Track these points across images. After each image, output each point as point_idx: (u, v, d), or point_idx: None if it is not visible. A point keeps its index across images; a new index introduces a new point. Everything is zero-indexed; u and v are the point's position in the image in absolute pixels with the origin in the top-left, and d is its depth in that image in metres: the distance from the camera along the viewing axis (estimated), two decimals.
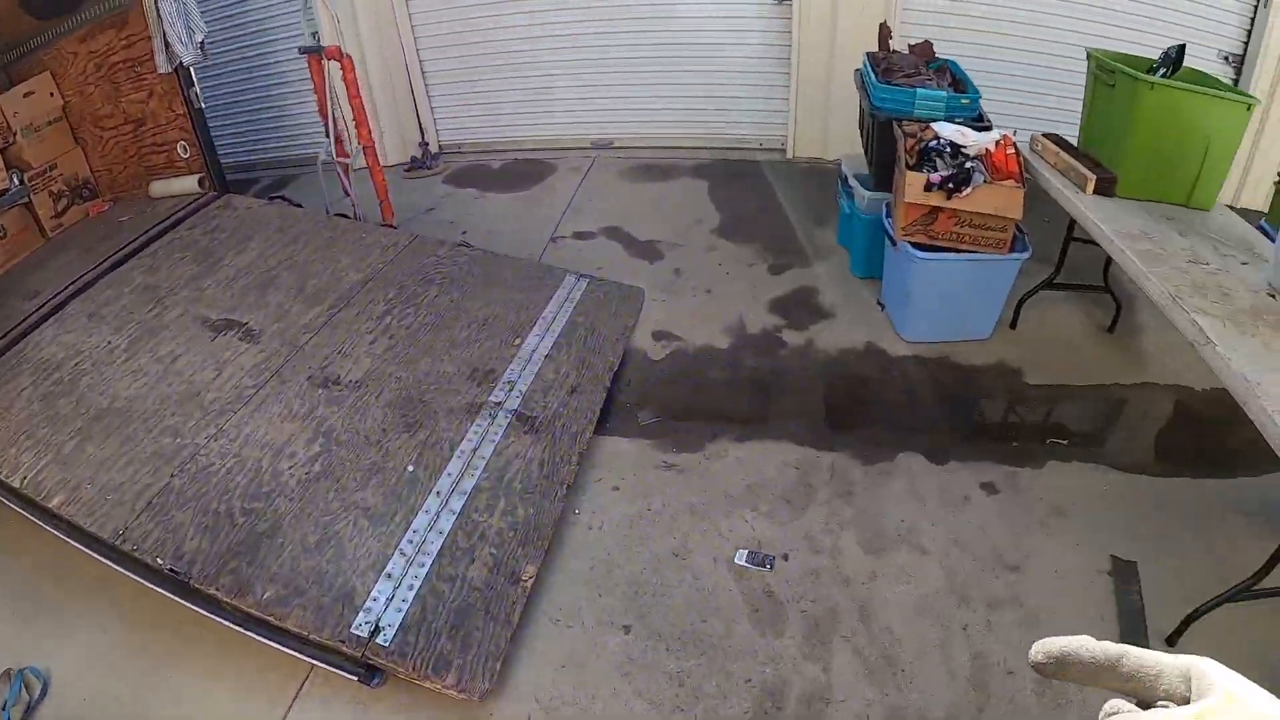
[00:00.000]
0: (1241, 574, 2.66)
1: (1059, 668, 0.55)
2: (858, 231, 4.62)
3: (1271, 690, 0.48)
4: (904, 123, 4.09)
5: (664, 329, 4.34)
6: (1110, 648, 0.53)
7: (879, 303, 4.49)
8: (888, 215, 4.10)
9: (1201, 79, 3.87)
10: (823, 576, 3.00)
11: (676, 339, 4.35)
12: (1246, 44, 6.19)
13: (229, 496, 2.98)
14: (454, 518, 3.00)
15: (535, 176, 5.95)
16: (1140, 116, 3.58)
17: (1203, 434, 3.68)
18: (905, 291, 4.30)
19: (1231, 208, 3.89)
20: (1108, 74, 3.77)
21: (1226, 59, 6.25)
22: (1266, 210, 5.23)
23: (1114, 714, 0.52)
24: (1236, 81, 6.31)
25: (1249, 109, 3.57)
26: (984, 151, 3.86)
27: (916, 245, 4.05)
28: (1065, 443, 3.61)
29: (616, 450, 3.58)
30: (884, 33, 4.71)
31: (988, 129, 4.19)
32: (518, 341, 3.86)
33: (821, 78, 5.70)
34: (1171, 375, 4.01)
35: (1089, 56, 3.98)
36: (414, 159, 6.08)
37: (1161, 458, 3.57)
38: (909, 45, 4.79)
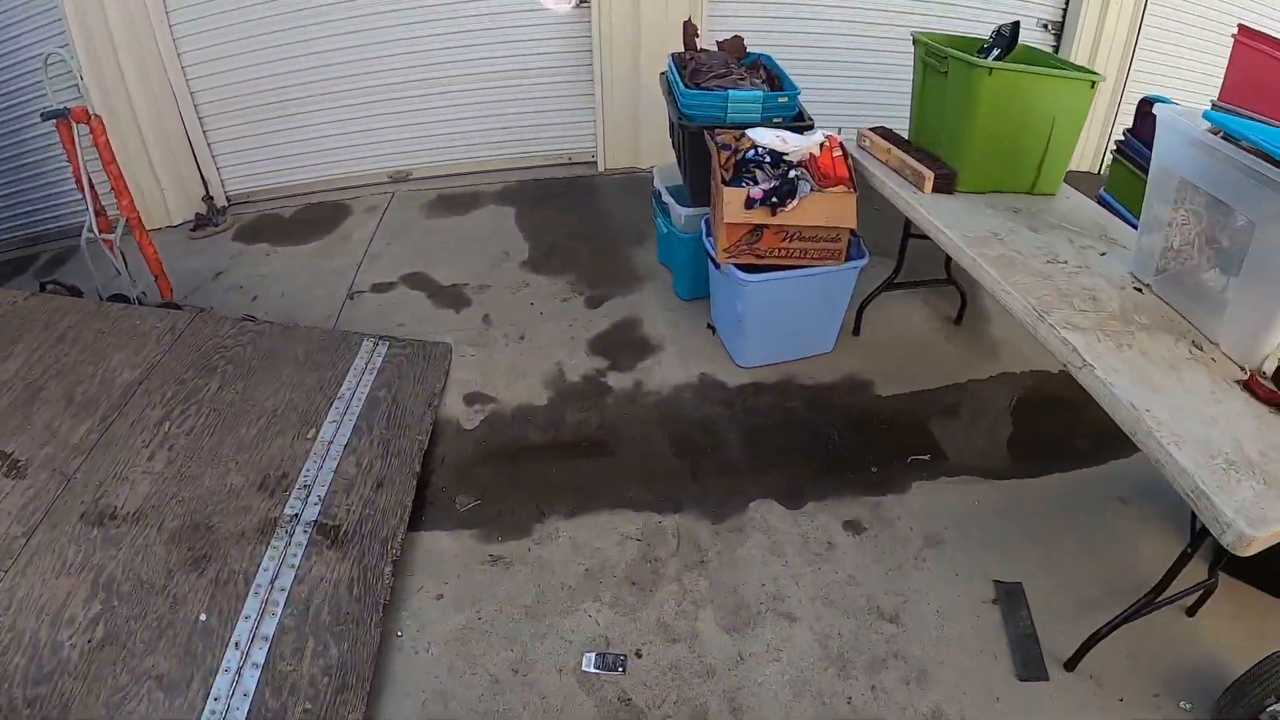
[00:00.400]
0: (1129, 573, 2.70)
1: None
2: (678, 251, 4.27)
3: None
4: (717, 132, 3.81)
5: (476, 390, 3.86)
6: None
7: (709, 326, 4.17)
8: (708, 234, 3.75)
9: (1037, 56, 3.59)
10: (683, 670, 2.65)
11: (490, 400, 3.86)
12: (1065, 9, 6.26)
13: (8, 685, 2.46)
14: (259, 673, 2.49)
15: (330, 222, 5.40)
16: (979, 105, 3.30)
17: (1066, 419, 3.64)
18: (736, 317, 3.90)
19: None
20: (938, 60, 3.47)
21: (1046, 26, 6.23)
22: (1098, 173, 5.21)
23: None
24: (1057, 49, 6.32)
25: (1093, 86, 3.30)
26: (808, 157, 3.59)
27: (743, 267, 3.70)
28: (928, 457, 3.48)
29: (435, 548, 3.11)
30: (689, 31, 4.45)
31: (810, 128, 3.98)
32: (312, 433, 3.35)
33: (628, 82, 5.42)
34: (1024, 360, 4.04)
35: (915, 42, 3.65)
36: (199, 216, 5.42)
37: (1028, 454, 3.51)
38: (718, 42, 4.54)
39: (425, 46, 5.42)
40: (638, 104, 5.43)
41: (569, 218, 5.36)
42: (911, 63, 3.71)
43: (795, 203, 3.44)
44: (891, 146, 3.63)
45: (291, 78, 5.38)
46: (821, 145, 3.53)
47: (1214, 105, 3.66)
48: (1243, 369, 2.40)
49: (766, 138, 3.51)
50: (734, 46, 4.35)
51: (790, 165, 3.48)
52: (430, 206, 5.57)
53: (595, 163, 5.81)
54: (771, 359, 4.06)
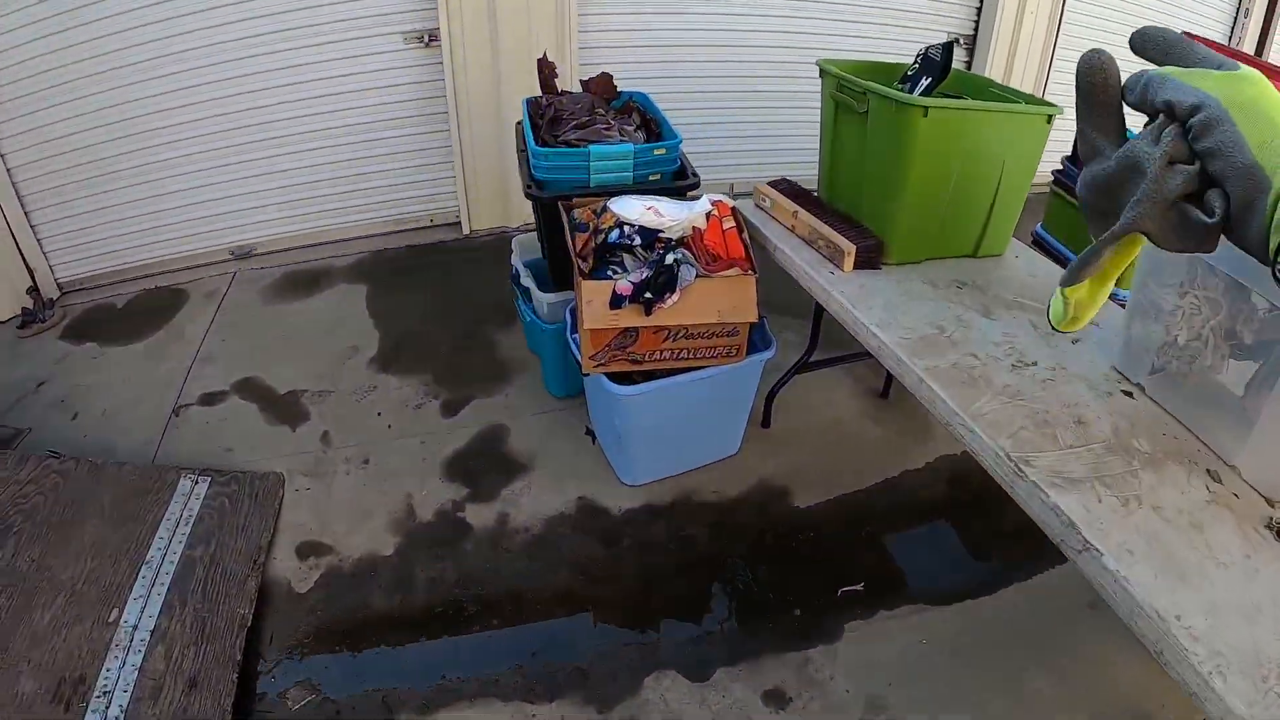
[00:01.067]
0: (1112, 709, 2.29)
1: (1145, 39, 0.64)
2: (544, 343, 3.30)
3: None
4: (574, 204, 2.79)
5: (311, 538, 2.96)
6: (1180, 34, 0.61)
7: (588, 430, 3.26)
8: (573, 330, 2.77)
9: (973, 83, 2.69)
10: None
11: (328, 551, 2.91)
12: (977, 23, 5.33)
13: None
14: None
15: (164, 313, 4.37)
16: (912, 153, 2.34)
17: (1015, 506, 2.74)
18: (615, 432, 2.97)
19: None
20: (855, 97, 2.49)
21: (958, 41, 5.36)
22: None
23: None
24: (969, 65, 5.48)
25: (1049, 121, 2.44)
26: (691, 232, 2.59)
27: (618, 375, 2.77)
28: (861, 587, 2.73)
29: None
30: (545, 70, 3.39)
31: (695, 187, 2.96)
32: (114, 615, 2.55)
33: (491, 130, 4.40)
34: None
35: (823, 73, 2.68)
36: (26, 311, 4.41)
37: (980, 561, 2.87)
38: (582, 82, 3.50)
39: (261, 103, 4.36)
40: (505, 154, 4.39)
41: (428, 295, 4.36)
42: (819, 99, 2.66)
43: (676, 296, 2.42)
44: (799, 209, 2.62)
45: (114, 146, 4.32)
46: (708, 215, 2.50)
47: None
48: (1271, 503, 1.71)
49: (634, 210, 2.47)
50: (602, 86, 3.31)
51: (668, 245, 2.44)
52: (274, 289, 4.51)
53: (460, 224, 4.69)
54: (664, 473, 3.15)
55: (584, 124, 3.09)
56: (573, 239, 2.50)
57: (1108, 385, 2.04)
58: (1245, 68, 0.56)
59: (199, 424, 3.50)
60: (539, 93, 3.36)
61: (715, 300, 2.50)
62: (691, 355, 2.66)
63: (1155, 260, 1.92)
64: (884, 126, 2.37)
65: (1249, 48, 6.53)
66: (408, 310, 4.23)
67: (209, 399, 3.65)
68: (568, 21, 4.29)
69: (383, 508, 3.08)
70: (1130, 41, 0.65)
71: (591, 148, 2.87)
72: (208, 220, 4.63)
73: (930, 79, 2.55)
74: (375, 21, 4.24)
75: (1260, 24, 6.52)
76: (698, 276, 2.48)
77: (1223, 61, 0.57)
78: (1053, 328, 0.72)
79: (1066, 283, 0.68)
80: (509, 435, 3.41)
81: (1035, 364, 2.13)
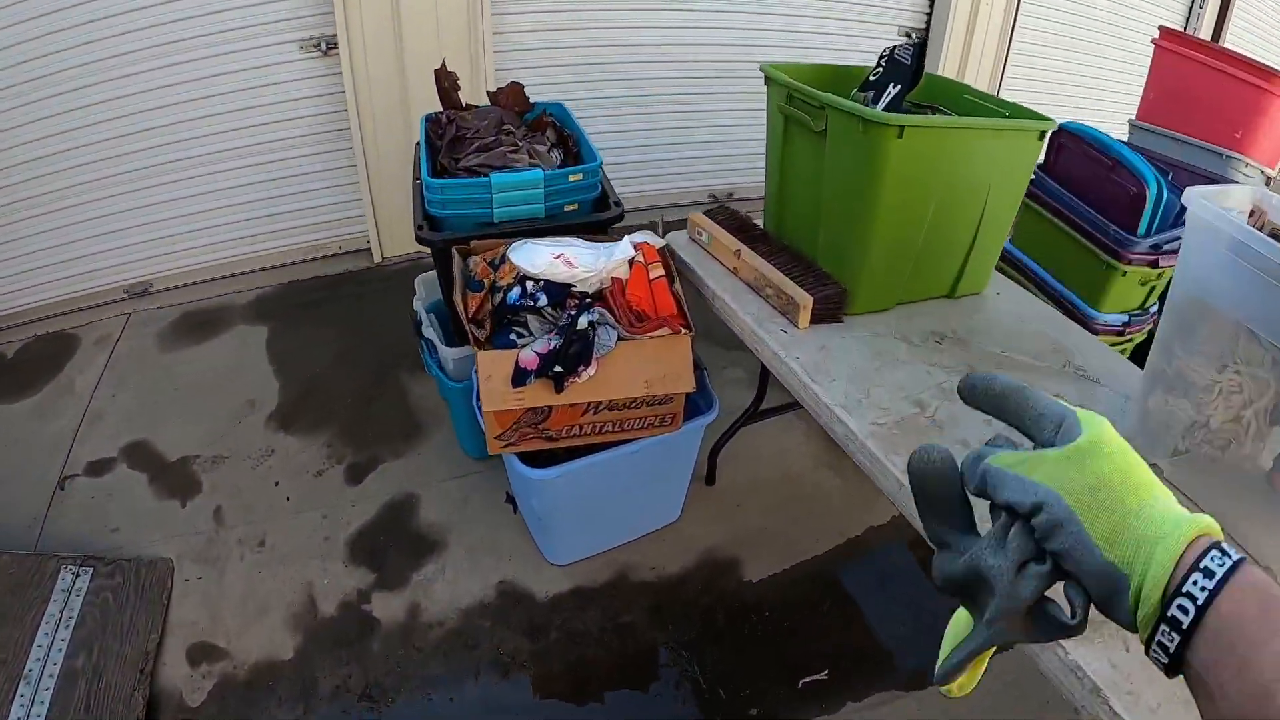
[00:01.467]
0: None
1: (974, 392, 0.60)
2: (453, 401, 2.77)
3: None
4: (471, 247, 2.22)
5: (203, 638, 2.47)
6: (1009, 382, 0.59)
7: (508, 497, 2.69)
8: (478, 398, 2.19)
9: (945, 90, 2.20)
10: None
11: (221, 655, 2.41)
12: (930, 16, 4.80)
13: None
14: None
15: (54, 362, 3.77)
16: (883, 180, 1.80)
17: None
18: (535, 513, 2.46)
19: None
20: (810, 111, 1.94)
21: (909, 35, 4.84)
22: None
23: (993, 446, 0.57)
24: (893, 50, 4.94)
25: (1042, 137, 1.93)
26: (610, 284, 2.04)
27: (530, 456, 2.22)
28: (825, 675, 2.30)
29: None
30: (445, 82, 2.79)
31: (617, 220, 2.40)
32: None
33: (400, 146, 3.80)
34: None
35: (768, 80, 2.12)
36: None
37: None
38: (489, 93, 2.92)
39: (148, 125, 3.74)
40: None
41: (333, 335, 3.77)
42: (765, 111, 2.10)
43: (592, 369, 1.84)
44: (741, 246, 2.04)
45: (10, 173, 3.68)
46: (631, 262, 1.92)
47: (1133, 125, 3.09)
48: None
49: (540, 260, 1.91)
50: (512, 97, 2.74)
51: (581, 304, 1.86)
52: (169, 332, 3.91)
53: (370, 251, 4.08)
54: (594, 549, 2.64)
55: (488, 145, 2.51)
56: (464, 300, 1.92)
57: None
58: (1087, 430, 0.53)
59: (85, 498, 2.96)
60: (437, 110, 2.77)
61: (643, 368, 1.94)
62: (618, 428, 2.10)
63: (1184, 322, 1.46)
64: (848, 149, 1.81)
65: (1205, 36, 6.07)
66: (312, 353, 3.64)
67: (96, 468, 3.10)
68: (480, 23, 3.69)
69: (280, 600, 2.55)
70: (959, 392, 0.62)
71: (493, 176, 2.29)
72: (99, 257, 4.01)
73: (899, 87, 2.00)
74: (266, 29, 3.62)
75: (1215, 15, 6.07)
76: (619, 340, 1.91)
77: (1064, 416, 0.55)
78: (942, 694, 0.63)
79: (941, 683, 0.60)
80: (420, 505, 2.88)
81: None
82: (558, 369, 1.87)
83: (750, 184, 4.84)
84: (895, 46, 2.13)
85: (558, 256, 1.93)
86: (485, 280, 1.94)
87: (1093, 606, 0.52)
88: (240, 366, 3.58)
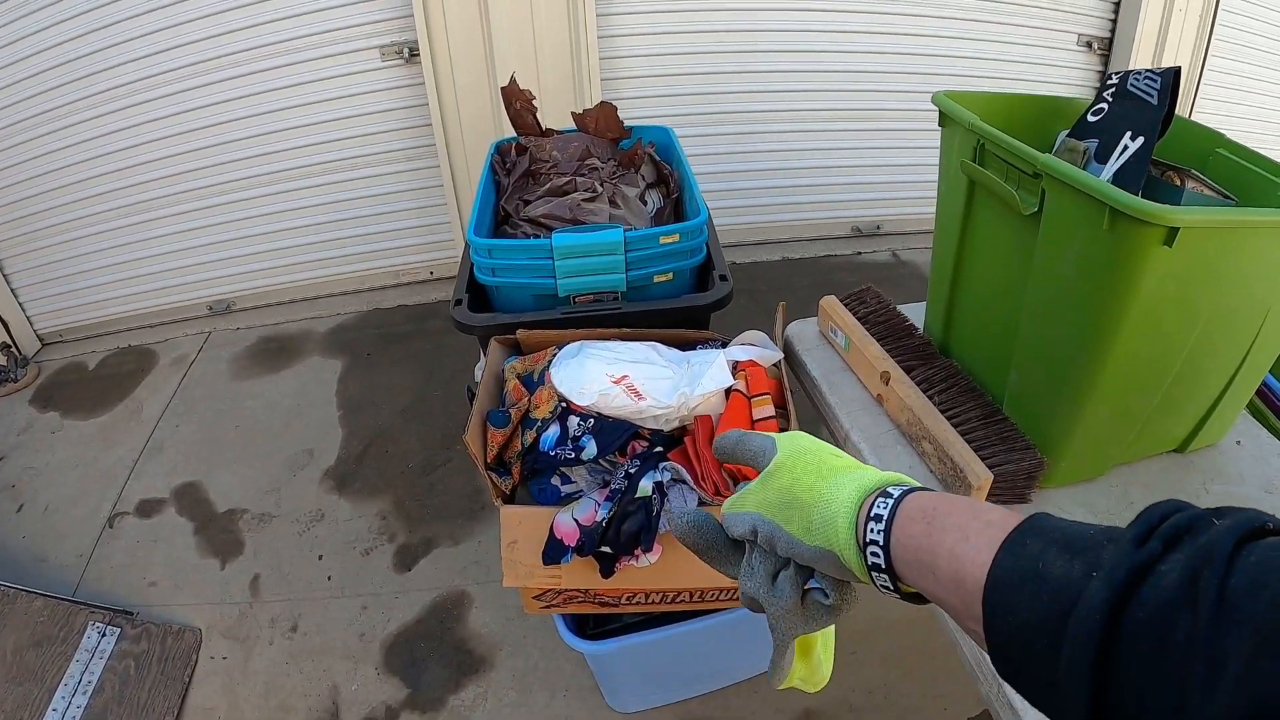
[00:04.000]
0: None
1: (720, 455, 0.66)
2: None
3: None
4: (520, 335, 1.54)
5: None
6: (735, 435, 0.65)
7: None
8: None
9: (1193, 141, 1.42)
10: None
11: None
12: (1115, 21, 3.85)
13: None
14: None
15: (129, 380, 3.41)
16: (1135, 303, 1.02)
17: None
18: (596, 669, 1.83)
19: None
20: (1017, 181, 1.16)
21: (1090, 45, 3.90)
22: None
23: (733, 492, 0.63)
24: (1103, 76, 3.99)
25: None
26: (693, 424, 1.34)
27: (579, 621, 1.56)
28: None
29: None
30: (516, 102, 2.13)
31: (722, 304, 1.68)
32: None
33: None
34: None
35: (944, 119, 1.33)
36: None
37: None
38: (574, 115, 2.23)
39: (228, 138, 3.27)
40: None
41: (408, 380, 3.19)
42: (937, 160, 1.32)
43: (655, 555, 1.11)
44: (892, 367, 1.28)
45: (85, 188, 3.34)
46: (729, 392, 1.18)
47: None
48: None
49: (592, 383, 1.22)
50: (603, 120, 2.06)
51: (646, 455, 1.15)
52: (245, 357, 3.45)
53: None
54: (669, 699, 1.99)
55: (561, 188, 1.82)
56: (484, 435, 1.24)
57: None
58: (777, 450, 0.61)
59: (130, 541, 2.62)
60: (510, 136, 2.10)
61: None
62: (696, 598, 1.38)
63: None
64: (1076, 247, 1.05)
65: None
66: (383, 399, 3.10)
67: (146, 508, 2.74)
68: (583, 26, 2.99)
69: (304, 700, 2.11)
70: (714, 451, 0.68)
71: (556, 235, 1.60)
72: (184, 271, 3.61)
73: (1140, 139, 1.21)
74: (345, 35, 3.05)
75: None
76: (701, 506, 1.18)
77: (764, 449, 0.62)
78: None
79: (774, 683, 0.68)
80: (471, 609, 2.30)
81: None
82: (605, 549, 1.17)
83: (900, 215, 4.01)
84: (1129, 73, 1.34)
85: (619, 380, 1.22)
86: (514, 410, 1.25)
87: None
88: (306, 407, 3.07)
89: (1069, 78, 3.90)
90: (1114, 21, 3.90)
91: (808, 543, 0.56)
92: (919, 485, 0.55)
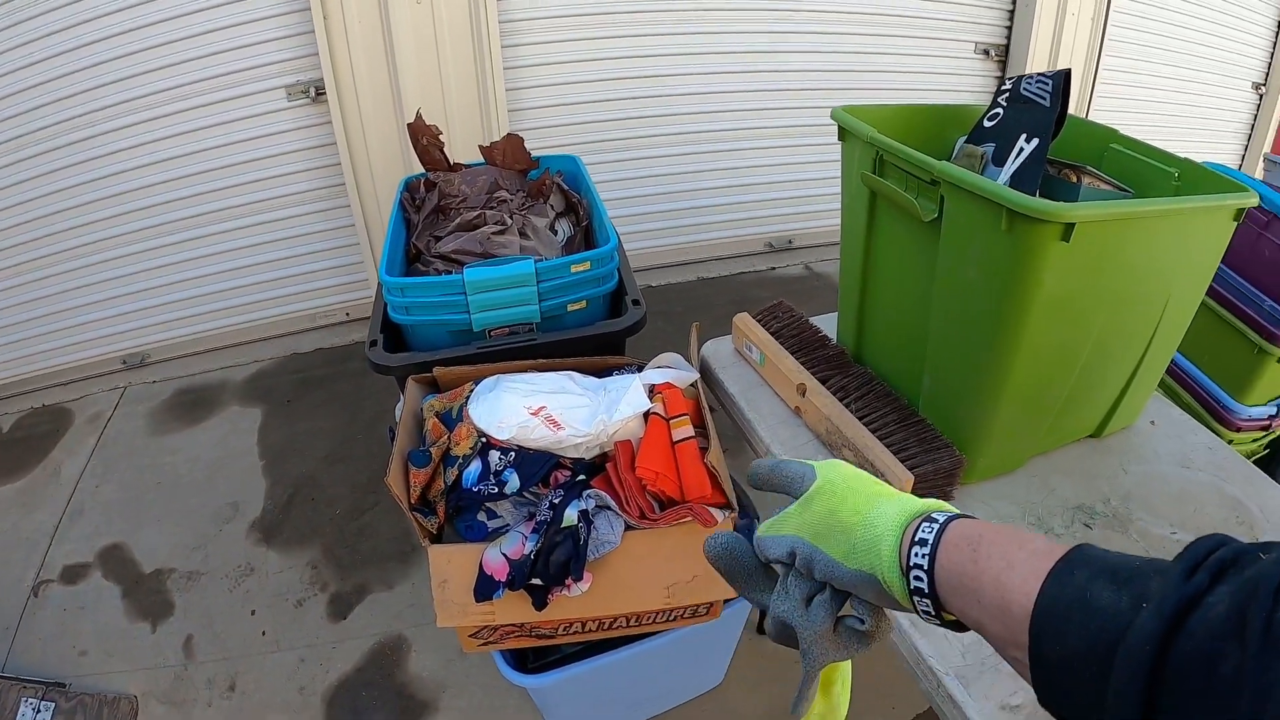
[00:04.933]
0: None
1: (756, 482, 0.65)
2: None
3: None
4: (439, 372, 1.53)
5: None
6: (770, 462, 0.65)
7: None
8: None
9: (1088, 139, 1.48)
10: None
11: None
12: (1010, 29, 3.99)
13: None
14: None
15: (45, 441, 3.28)
16: (1037, 299, 1.06)
17: None
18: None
19: None
20: (916, 189, 1.20)
21: (987, 53, 4.04)
22: None
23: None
24: (1000, 81, 4.12)
25: (1239, 215, 1.20)
26: (614, 450, 1.35)
27: (519, 655, 1.54)
28: None
29: None
30: (423, 137, 2.12)
31: (635, 329, 1.69)
32: None
33: None
34: None
35: (843, 134, 1.37)
36: None
37: None
38: (481, 149, 2.23)
39: (140, 184, 3.18)
40: None
41: (330, 423, 3.14)
42: (840, 173, 1.36)
43: (585, 583, 1.10)
44: (807, 379, 1.30)
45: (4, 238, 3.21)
46: (647, 415, 1.19)
47: (1271, 161, 2.48)
48: None
49: (510, 416, 1.20)
50: (510, 152, 2.05)
51: (569, 484, 1.14)
52: (163, 411, 3.34)
53: None
54: None
55: (471, 222, 1.81)
56: (405, 475, 1.23)
57: None
58: (817, 474, 0.61)
59: (57, 609, 2.51)
60: (419, 172, 2.09)
61: (663, 569, 1.24)
62: (635, 622, 1.38)
63: None
64: (977, 249, 1.08)
65: None
66: (305, 446, 3.03)
67: (71, 574, 2.63)
68: (488, 58, 3.00)
69: None
70: (749, 479, 0.67)
71: (468, 270, 1.59)
72: (97, 324, 3.48)
73: (1035, 140, 1.26)
74: (251, 75, 3.00)
75: None
76: (627, 531, 1.18)
77: (804, 474, 0.61)
78: None
79: (799, 715, 0.65)
80: (410, 653, 2.27)
81: None
82: (535, 580, 1.16)
83: (812, 229, 4.08)
84: (1021, 78, 1.39)
85: (536, 411, 1.22)
86: (435, 449, 1.24)
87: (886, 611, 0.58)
88: (228, 458, 2.99)
89: (969, 85, 4.03)
90: (1009, 29, 4.04)
91: (849, 565, 0.56)
92: (962, 512, 0.55)
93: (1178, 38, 4.53)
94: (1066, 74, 1.32)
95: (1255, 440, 2.24)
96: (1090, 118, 4.31)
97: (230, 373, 3.46)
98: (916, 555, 0.52)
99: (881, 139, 1.22)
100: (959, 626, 0.54)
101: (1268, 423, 2.15)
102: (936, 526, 0.53)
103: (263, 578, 2.52)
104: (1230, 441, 2.17)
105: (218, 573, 2.56)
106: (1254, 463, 2.37)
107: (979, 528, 0.52)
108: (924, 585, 0.52)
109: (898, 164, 1.19)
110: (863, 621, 0.58)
